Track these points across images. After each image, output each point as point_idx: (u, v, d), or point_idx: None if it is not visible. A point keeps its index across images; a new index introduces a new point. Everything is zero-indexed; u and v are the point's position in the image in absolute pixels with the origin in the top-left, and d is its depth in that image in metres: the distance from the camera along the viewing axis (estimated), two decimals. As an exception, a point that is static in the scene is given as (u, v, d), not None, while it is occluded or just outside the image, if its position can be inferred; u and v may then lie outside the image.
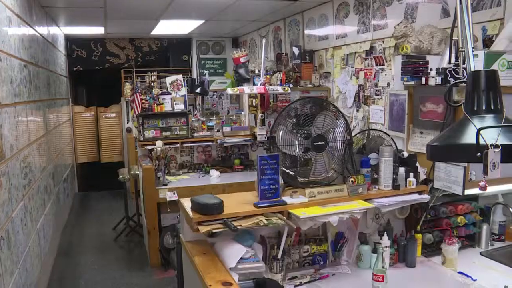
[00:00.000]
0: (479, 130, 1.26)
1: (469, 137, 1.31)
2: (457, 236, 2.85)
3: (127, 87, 7.70)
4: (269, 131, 2.46)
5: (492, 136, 1.27)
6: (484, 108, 1.39)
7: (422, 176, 2.71)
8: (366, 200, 2.51)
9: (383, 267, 2.18)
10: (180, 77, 5.35)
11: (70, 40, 8.43)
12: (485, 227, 2.95)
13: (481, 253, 2.89)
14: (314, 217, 2.30)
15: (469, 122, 1.36)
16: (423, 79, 2.76)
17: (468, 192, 2.52)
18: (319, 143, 2.44)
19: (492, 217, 3.04)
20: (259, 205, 2.31)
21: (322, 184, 2.50)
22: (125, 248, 5.81)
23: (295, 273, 2.49)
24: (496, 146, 1.24)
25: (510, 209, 2.94)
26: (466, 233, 2.90)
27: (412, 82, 2.85)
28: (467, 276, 2.52)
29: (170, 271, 4.70)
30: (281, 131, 2.42)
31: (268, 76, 4.76)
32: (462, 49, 1.82)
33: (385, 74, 4.11)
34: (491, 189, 2.70)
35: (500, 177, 2.54)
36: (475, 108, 1.40)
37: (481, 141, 1.26)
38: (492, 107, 1.39)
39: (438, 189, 2.66)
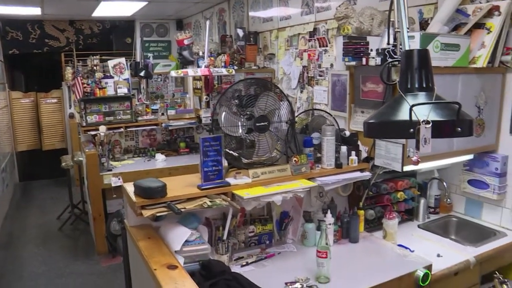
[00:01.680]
0: (411, 107, 1.30)
1: (402, 114, 1.35)
2: (397, 211, 2.96)
3: (68, 71, 7.42)
4: (212, 113, 2.44)
5: (424, 113, 1.31)
6: (416, 86, 1.43)
7: (364, 154, 2.78)
8: (309, 179, 2.55)
9: (326, 244, 2.23)
10: (122, 60, 5.21)
11: (3, 21, 7.97)
12: (422, 201, 3.08)
13: (418, 226, 3.03)
14: (257, 197, 2.31)
15: (403, 99, 1.40)
16: (364, 59, 2.81)
17: (407, 168, 2.61)
18: (262, 123, 2.45)
19: (428, 192, 3.18)
20: (202, 187, 2.30)
21: (265, 165, 2.52)
22: (70, 237, 5.67)
23: (241, 253, 2.51)
24: (427, 122, 1.28)
25: (444, 183, 3.09)
26: (406, 208, 3.02)
27: (353, 63, 2.89)
28: (406, 248, 2.64)
29: (118, 258, 4.64)
30: (224, 113, 2.41)
31: (212, 58, 4.71)
32: (398, 30, 1.87)
33: (328, 55, 4.16)
34: (427, 165, 2.83)
35: (435, 153, 2.67)
36: (409, 86, 1.44)
37: (414, 118, 1.30)
38: (424, 85, 1.43)
39: (379, 167, 2.74)
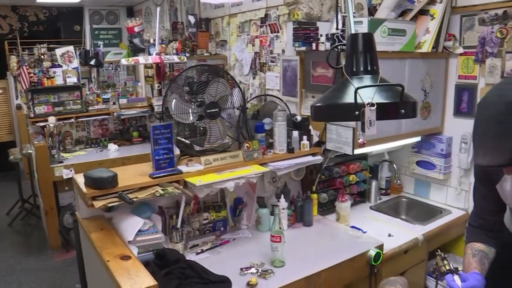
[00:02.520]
0: (356, 89, 1.32)
1: (348, 97, 1.36)
2: (350, 193, 3.02)
3: (13, 61, 7.11)
4: (162, 101, 2.41)
5: (369, 95, 1.33)
6: (362, 69, 1.45)
7: (315, 139, 2.82)
8: (261, 164, 2.57)
9: (280, 228, 2.25)
10: (71, 48, 5.05)
11: None
12: (374, 183, 3.16)
13: (370, 207, 3.11)
14: (210, 184, 2.31)
15: (349, 82, 1.42)
16: (314, 44, 2.83)
17: (357, 151, 2.66)
18: (213, 110, 2.43)
19: (379, 174, 3.26)
20: (154, 176, 2.27)
21: (217, 151, 2.52)
22: (21, 232, 5.49)
23: (196, 241, 2.50)
24: (372, 105, 1.30)
25: (394, 165, 3.17)
26: (358, 190, 3.09)
27: (303, 48, 2.91)
28: (358, 229, 2.70)
29: (72, 252, 4.53)
30: (174, 100, 2.38)
31: (163, 46, 4.64)
32: (344, 14, 1.89)
33: (280, 41, 4.17)
34: (377, 148, 2.89)
35: (385, 135, 2.73)
36: (354, 70, 1.46)
37: (359, 100, 1.32)
38: (369, 68, 1.45)
39: (331, 150, 2.78)
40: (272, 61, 4.28)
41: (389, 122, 2.72)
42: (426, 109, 2.99)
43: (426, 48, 2.90)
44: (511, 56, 2.71)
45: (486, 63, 2.84)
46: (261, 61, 4.47)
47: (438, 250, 1.69)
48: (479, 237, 1.80)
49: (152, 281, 1.72)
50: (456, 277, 1.57)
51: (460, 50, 2.99)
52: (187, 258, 2.17)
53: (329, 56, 1.69)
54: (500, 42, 2.74)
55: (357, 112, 1.31)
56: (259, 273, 2.16)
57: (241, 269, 2.19)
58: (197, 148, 2.50)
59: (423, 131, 3.03)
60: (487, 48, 2.82)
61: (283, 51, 4.07)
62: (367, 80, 1.42)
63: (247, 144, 2.54)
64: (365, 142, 1.41)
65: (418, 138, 3.12)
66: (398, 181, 3.25)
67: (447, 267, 1.61)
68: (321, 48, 2.77)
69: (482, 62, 2.87)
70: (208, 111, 2.43)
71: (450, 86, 3.08)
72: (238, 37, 4.89)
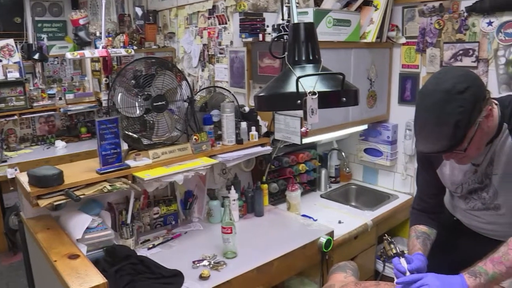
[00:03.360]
0: (298, 78, 1.33)
1: (290, 86, 1.37)
2: (300, 182, 3.06)
3: None
4: (108, 95, 2.36)
5: (310, 84, 1.35)
6: (303, 58, 1.46)
7: (264, 129, 2.83)
8: (210, 156, 2.56)
9: (230, 219, 2.25)
10: (11, 41, 4.85)
11: None
12: (323, 171, 3.21)
13: (321, 195, 3.17)
14: (159, 177, 2.28)
15: (291, 72, 1.43)
16: (260, 35, 2.84)
17: (306, 141, 2.69)
18: (160, 103, 2.40)
19: (329, 162, 3.32)
20: (101, 171, 2.22)
21: (166, 145, 2.49)
22: (-37, 237, 5.25)
23: (147, 236, 2.47)
24: (314, 93, 1.32)
25: (343, 153, 3.24)
26: (308, 179, 3.13)
27: (250, 39, 2.92)
28: (309, 217, 2.74)
29: (19, 255, 4.38)
30: (120, 94, 2.33)
31: (110, 39, 4.53)
32: (287, 5, 1.90)
33: (228, 33, 4.15)
34: (326, 136, 2.94)
35: (332, 124, 2.78)
36: (296, 59, 1.47)
37: (301, 89, 1.33)
38: (311, 58, 1.46)
39: (279, 140, 2.81)
40: (220, 53, 4.25)
41: (336, 111, 2.77)
42: (372, 98, 3.06)
43: (371, 38, 2.96)
44: (448, 46, 2.82)
45: (427, 53, 2.94)
46: (209, 53, 4.43)
47: (385, 235, 1.75)
48: (422, 220, 1.88)
49: (102, 279, 1.69)
50: (402, 260, 1.63)
51: (403, 40, 3.08)
52: (138, 254, 2.14)
53: (271, 46, 1.69)
54: (438, 33, 2.84)
55: (299, 101, 1.32)
56: (211, 265, 2.16)
57: (194, 262, 2.19)
58: (145, 142, 2.46)
59: (369, 119, 3.11)
60: (427, 39, 2.91)
61: (231, 42, 4.06)
62: (309, 69, 1.44)
63: (195, 137, 2.52)
64: (308, 130, 1.44)
65: (365, 126, 3.19)
66: (347, 169, 3.32)
67: (394, 251, 1.66)
68: (268, 39, 2.79)
69: (423, 51, 2.97)
70: (154, 104, 2.39)
71: (394, 75, 3.17)
72: (186, 29, 4.83)
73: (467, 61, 2.77)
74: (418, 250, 1.73)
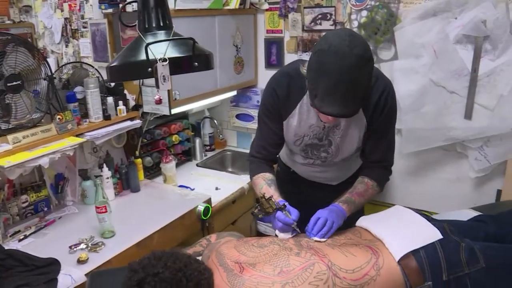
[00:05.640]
0: (147, 45, 1.30)
1: (142, 54, 1.34)
2: (175, 154, 3.05)
3: None
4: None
5: (161, 51, 1.33)
6: (154, 25, 1.43)
7: (132, 103, 2.75)
8: (77, 135, 2.44)
9: (104, 198, 2.19)
10: None
11: None
12: (197, 141, 3.23)
13: (197, 165, 3.19)
14: (21, 163, 2.13)
15: (142, 39, 1.40)
16: (120, 6, 2.73)
17: (175, 111, 2.68)
18: (14, 83, 2.22)
19: (202, 131, 3.34)
20: (-50, 163, 2.03)
21: (27, 127, 2.32)
22: None
23: (17, 227, 2.32)
24: (164, 60, 1.30)
25: (215, 121, 3.27)
26: (182, 150, 3.13)
27: (110, 10, 2.80)
28: (186, 187, 2.76)
29: None
30: (-36, 76, 2.12)
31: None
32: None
33: (90, 5, 3.93)
34: (196, 105, 2.94)
35: (201, 92, 2.78)
36: (146, 26, 1.44)
37: (151, 56, 1.31)
38: (162, 24, 1.44)
39: (149, 113, 2.75)
40: (84, 27, 4.01)
41: (204, 79, 2.78)
42: (239, 64, 3.11)
43: (234, 4, 2.98)
44: (308, 11, 2.95)
45: (289, 18, 3.04)
46: (72, 28, 4.18)
47: (263, 193, 1.78)
48: (266, 168, 1.97)
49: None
50: (286, 213, 1.68)
51: (266, 6, 3.15)
52: (7, 248, 2.01)
53: (121, 14, 1.63)
54: (299, -2, 2.96)
55: (150, 69, 1.30)
56: (89, 248, 2.09)
57: (70, 247, 2.10)
58: (3, 126, 2.28)
59: (238, 85, 3.16)
60: (288, 4, 3.01)
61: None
62: (160, 35, 1.42)
63: (59, 116, 2.38)
64: (161, 98, 1.42)
65: (234, 92, 3.24)
66: (221, 136, 3.36)
67: (274, 206, 1.71)
68: (129, 9, 2.68)
69: (285, 16, 3.07)
70: (8, 84, 2.21)
71: (260, 40, 3.24)
72: (44, 2, 4.48)
73: (326, 25, 2.91)
74: (279, 197, 1.79)
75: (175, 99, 2.62)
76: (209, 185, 2.81)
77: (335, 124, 1.76)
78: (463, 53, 2.52)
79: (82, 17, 4.02)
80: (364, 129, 1.78)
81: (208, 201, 2.54)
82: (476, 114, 2.56)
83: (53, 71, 2.43)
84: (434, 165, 2.85)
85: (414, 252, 1.49)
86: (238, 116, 3.35)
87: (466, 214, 1.98)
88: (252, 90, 3.24)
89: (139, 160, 2.75)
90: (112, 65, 1.41)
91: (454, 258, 1.48)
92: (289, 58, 3.12)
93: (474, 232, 1.71)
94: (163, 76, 1.28)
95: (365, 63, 1.45)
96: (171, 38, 1.38)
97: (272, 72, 1.91)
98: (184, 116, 3.12)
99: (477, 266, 1.47)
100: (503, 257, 1.55)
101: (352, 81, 1.43)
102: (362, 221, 1.76)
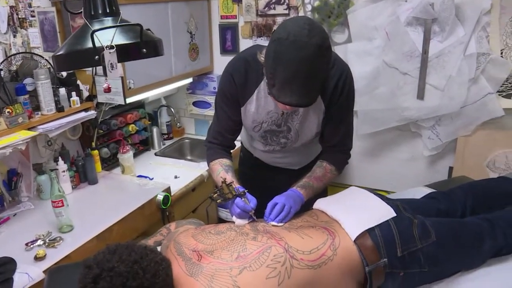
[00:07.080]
0: (92, 32, 1.27)
1: (88, 42, 1.31)
2: (132, 144, 3.01)
3: None
4: None
5: (108, 38, 1.30)
6: (100, 11, 1.40)
7: (86, 93, 2.69)
8: (29, 128, 2.37)
9: (59, 191, 2.14)
10: None
11: None
12: (155, 129, 3.19)
13: (155, 154, 3.16)
14: (-32, 160, 2.07)
15: (88, 27, 1.37)
16: (69, -7, 2.66)
17: (130, 100, 2.64)
18: (-43, 77, 2.14)
19: (159, 120, 3.30)
20: None
21: (-26, 123, 2.25)
22: None
23: (-32, 228, 2.25)
24: (111, 47, 1.28)
25: (172, 109, 3.24)
26: (140, 139, 3.10)
27: (58, -3, 2.72)
28: (145, 177, 2.73)
29: None
30: None
31: None
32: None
33: (38, -6, 3.81)
34: (152, 93, 2.91)
35: (156, 80, 2.74)
36: (92, 13, 1.41)
37: (98, 44, 1.28)
38: (108, 10, 1.41)
39: (104, 103, 2.70)
40: (32, 16, 3.89)
41: (158, 67, 2.75)
42: (194, 51, 3.08)
43: (186, -10, 2.94)
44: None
45: (243, 3, 3.02)
46: (19, 17, 4.03)
47: (224, 179, 1.78)
48: (223, 154, 1.98)
49: None
50: (245, 200, 1.69)
51: (219, -9, 3.12)
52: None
53: (65, 2, 1.59)
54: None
55: (97, 57, 1.27)
56: (46, 244, 2.04)
57: (26, 244, 2.04)
58: None
59: (194, 72, 3.13)
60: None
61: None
62: (107, 22, 1.39)
63: (8, 110, 2.30)
64: (110, 86, 1.39)
65: (190, 80, 3.21)
66: (179, 124, 3.34)
67: (234, 192, 1.71)
68: (77, -3, 2.61)
69: (239, 2, 3.05)
70: (-49, 78, 2.13)
71: (214, 26, 3.21)
72: (-13, -9, 4.32)
73: (279, 9, 2.91)
74: (236, 184, 1.79)
75: (130, 88, 2.57)
76: (168, 174, 2.79)
77: (294, 110, 1.77)
78: (414, 35, 2.57)
79: (30, 5, 3.88)
80: (323, 114, 1.79)
81: (168, 190, 2.52)
82: (428, 94, 2.63)
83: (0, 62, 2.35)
84: (390, 145, 2.91)
85: (369, 231, 1.53)
86: (195, 104, 3.32)
87: (420, 192, 2.06)
88: (208, 77, 3.22)
89: (95, 152, 2.70)
90: (58, 53, 1.37)
91: (408, 234, 1.53)
92: (245, 43, 3.11)
93: (426, 208, 1.78)
94: (111, 63, 1.26)
95: (324, 53, 1.44)
96: (118, 24, 1.35)
97: (228, 58, 1.89)
98: (140, 105, 3.07)
99: (429, 240, 1.53)
100: (452, 230, 1.61)
101: (310, 71, 1.42)
102: (319, 203, 1.80)
